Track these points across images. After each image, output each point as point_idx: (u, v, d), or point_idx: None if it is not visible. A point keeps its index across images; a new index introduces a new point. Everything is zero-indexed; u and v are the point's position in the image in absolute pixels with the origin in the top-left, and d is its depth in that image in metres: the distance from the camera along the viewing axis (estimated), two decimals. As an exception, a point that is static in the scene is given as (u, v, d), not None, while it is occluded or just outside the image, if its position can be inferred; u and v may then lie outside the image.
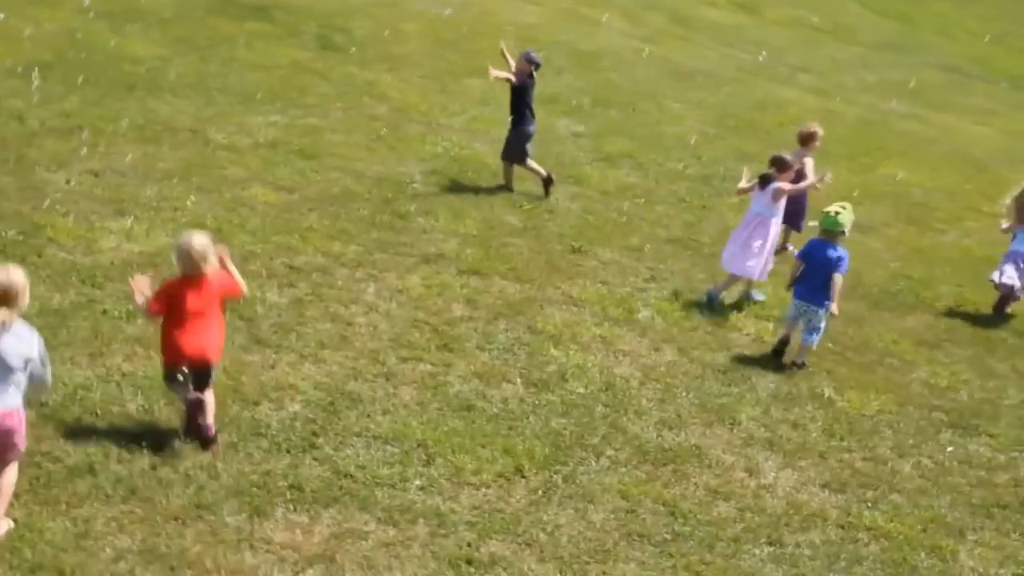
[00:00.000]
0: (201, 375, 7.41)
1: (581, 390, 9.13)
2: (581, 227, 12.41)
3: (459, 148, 14.14)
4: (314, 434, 7.96)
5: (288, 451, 7.73)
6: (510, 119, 13.06)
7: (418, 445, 8.02)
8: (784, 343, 10.20)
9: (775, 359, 10.11)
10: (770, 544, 7.69)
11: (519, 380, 9.13)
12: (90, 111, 13.27)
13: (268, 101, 14.65)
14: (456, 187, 12.90)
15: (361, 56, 17.28)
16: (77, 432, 7.52)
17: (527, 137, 13.07)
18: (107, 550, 6.55)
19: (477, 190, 12.93)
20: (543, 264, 11.30)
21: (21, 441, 6.46)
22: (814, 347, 10.20)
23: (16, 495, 6.82)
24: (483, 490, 7.70)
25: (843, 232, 10.11)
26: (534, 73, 12.99)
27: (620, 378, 9.43)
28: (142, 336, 8.75)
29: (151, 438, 7.54)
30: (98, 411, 7.76)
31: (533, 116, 13.09)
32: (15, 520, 6.64)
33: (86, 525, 6.71)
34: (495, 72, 12.91)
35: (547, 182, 13.08)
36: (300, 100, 14.97)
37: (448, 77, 17.16)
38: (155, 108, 13.74)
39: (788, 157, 11.30)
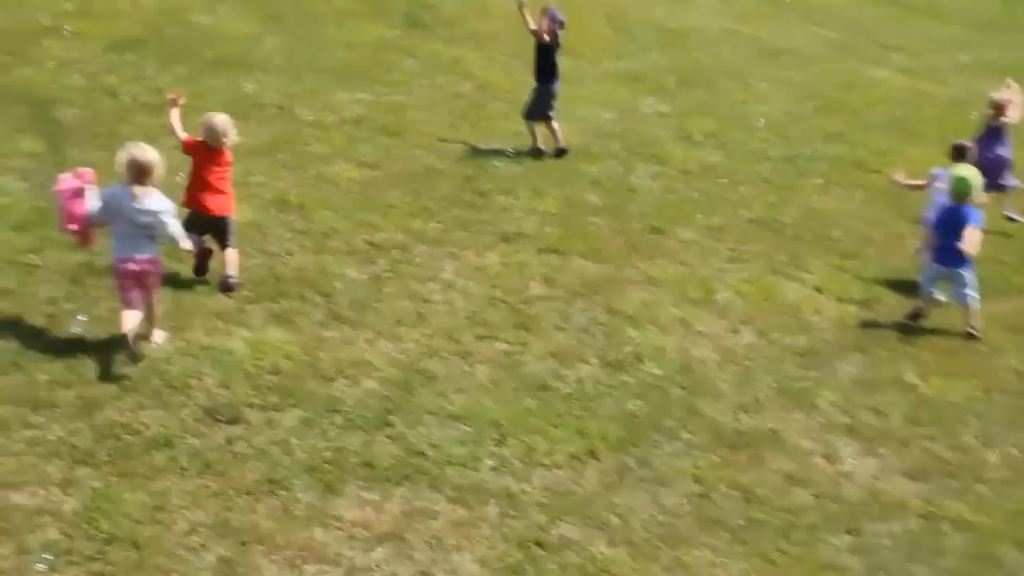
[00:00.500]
0: (223, 228, 9.10)
1: (657, 371, 9.05)
2: (662, 207, 12.29)
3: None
4: (388, 411, 8.00)
5: (362, 428, 7.78)
6: (538, 78, 13.06)
7: (491, 424, 8.02)
8: (917, 315, 10.42)
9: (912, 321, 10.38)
10: (848, 533, 7.55)
11: (595, 360, 9.07)
12: (181, 87, 13.36)
13: (354, 78, 14.72)
14: (537, 165, 12.85)
15: (447, 34, 17.28)
16: (156, 405, 7.65)
17: (552, 95, 13.05)
18: (181, 523, 6.65)
19: (558, 168, 12.86)
20: (622, 243, 11.22)
21: (157, 280, 8.24)
22: (977, 306, 10.36)
23: (95, 465, 6.99)
24: (555, 471, 7.68)
25: (972, 195, 10.40)
26: (558, 32, 12.97)
27: (697, 360, 9.33)
28: (222, 311, 8.88)
29: (228, 412, 7.65)
30: (177, 384, 7.88)
31: (557, 75, 13.04)
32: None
33: (162, 498, 6.82)
34: (528, 20, 12.85)
35: (562, 151, 13.08)
36: (386, 77, 15.02)
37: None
38: (244, 85, 13.89)
39: (967, 143, 11.48)
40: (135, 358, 7.89)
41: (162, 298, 8.49)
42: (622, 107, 15.24)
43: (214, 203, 9.08)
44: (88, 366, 7.96)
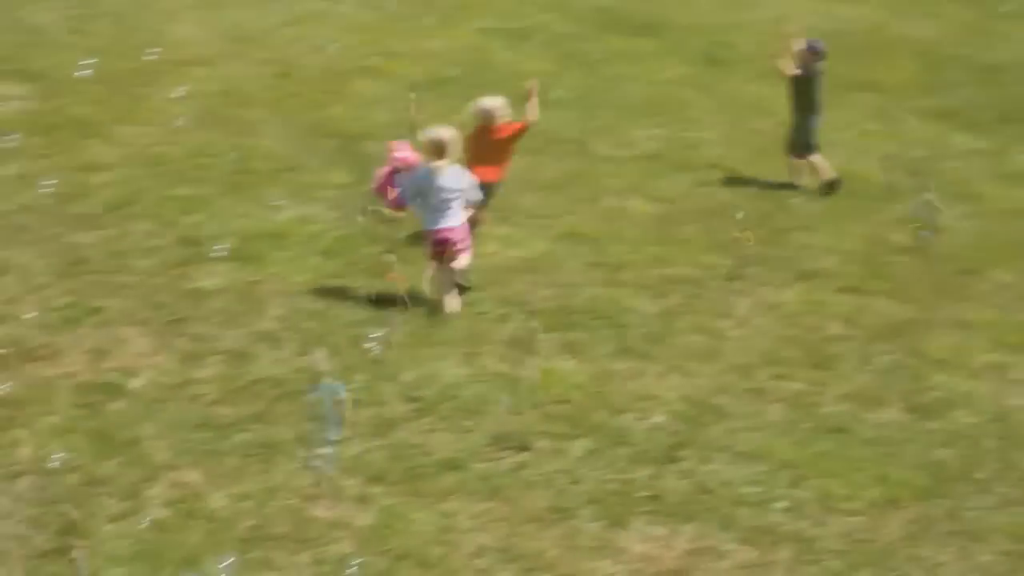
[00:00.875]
0: (488, 191, 9.94)
1: (969, 419, 8.44)
2: (974, 247, 11.54)
3: (844, 162, 13.54)
4: (677, 446, 7.79)
5: (650, 462, 7.60)
6: (796, 111, 12.63)
7: (785, 465, 7.67)
8: None
9: None
10: None
11: (898, 404, 8.56)
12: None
13: (651, 114, 14.67)
14: (838, 202, 12.37)
15: (746, 71, 16.98)
16: (447, 428, 7.76)
17: (811, 129, 12.46)
18: (468, 545, 6.67)
19: (861, 206, 12.33)
20: (930, 285, 10.59)
21: (465, 247, 9.22)
22: None
23: (388, 483, 7.12)
24: (853, 518, 7.25)
25: None
26: (813, 64, 12.37)
27: (1015, 409, 8.64)
28: (514, 338, 8.95)
29: (517, 439, 7.64)
30: (468, 408, 7.96)
31: (815, 108, 12.49)
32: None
33: (450, 519, 6.87)
34: (783, 66, 12.42)
35: (831, 184, 12.52)
36: (682, 114, 14.89)
37: (839, 91, 16.45)
38: (542, 120, 13.99)
39: None
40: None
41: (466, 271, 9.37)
42: (932, 144, 14.50)
43: (482, 172, 9.89)
44: (385, 387, 8.17)
